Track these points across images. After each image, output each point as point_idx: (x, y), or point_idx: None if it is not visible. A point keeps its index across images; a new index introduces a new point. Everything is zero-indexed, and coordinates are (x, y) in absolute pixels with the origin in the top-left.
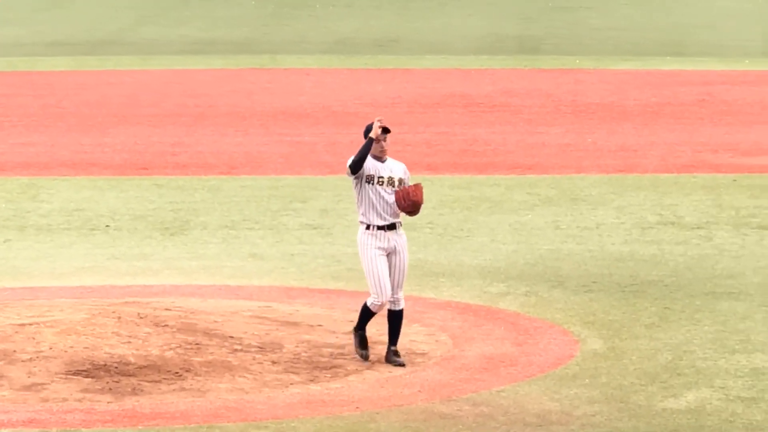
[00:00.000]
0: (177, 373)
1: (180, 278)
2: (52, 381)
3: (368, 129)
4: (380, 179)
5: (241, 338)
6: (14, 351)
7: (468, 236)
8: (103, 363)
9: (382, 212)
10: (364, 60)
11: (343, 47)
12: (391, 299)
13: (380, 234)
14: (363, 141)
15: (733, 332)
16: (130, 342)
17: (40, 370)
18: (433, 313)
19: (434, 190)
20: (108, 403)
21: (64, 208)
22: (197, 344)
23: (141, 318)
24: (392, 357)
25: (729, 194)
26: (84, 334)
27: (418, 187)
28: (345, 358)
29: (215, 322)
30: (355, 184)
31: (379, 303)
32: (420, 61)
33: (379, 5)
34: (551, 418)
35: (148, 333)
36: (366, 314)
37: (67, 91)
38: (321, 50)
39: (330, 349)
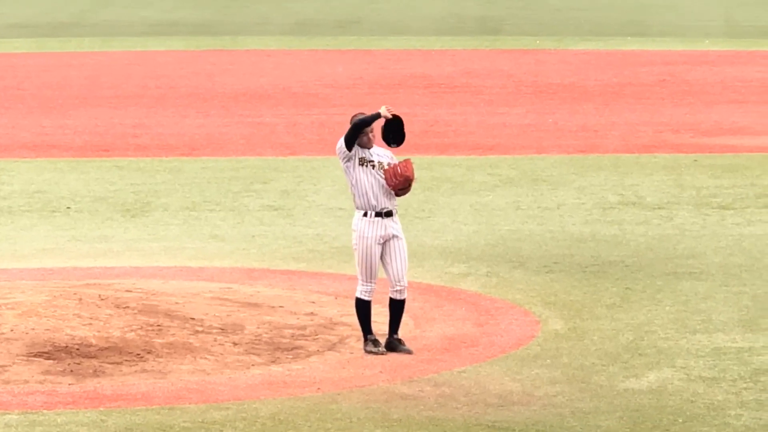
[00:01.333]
0: (138, 354)
1: (141, 260)
2: (13, 363)
3: (355, 118)
4: (371, 163)
5: (202, 320)
6: None
7: (429, 217)
8: (64, 345)
9: (378, 195)
10: (326, 41)
11: (305, 28)
12: (397, 287)
13: (378, 221)
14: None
15: (695, 312)
16: (91, 324)
17: (1, 352)
18: None
19: None
20: (69, 384)
21: (25, 189)
22: (158, 326)
23: (102, 300)
24: (399, 346)
25: (690, 174)
26: (45, 316)
27: (407, 162)
28: (306, 340)
29: (176, 303)
30: (346, 169)
31: (369, 289)
32: (381, 42)
33: None
34: (513, 399)
35: (110, 315)
36: (363, 311)
37: (28, 73)
38: (282, 31)
39: (291, 331)
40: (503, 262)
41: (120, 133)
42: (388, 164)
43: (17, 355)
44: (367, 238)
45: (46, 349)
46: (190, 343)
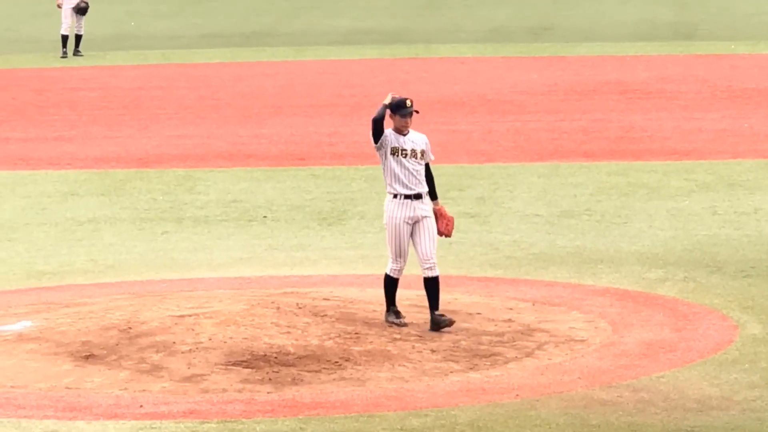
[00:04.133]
0: (336, 362)
1: (338, 268)
2: (212, 372)
3: (388, 106)
4: (404, 151)
5: (400, 327)
6: (174, 342)
7: (626, 223)
8: (262, 353)
9: (407, 182)
10: (519, 48)
11: (498, 35)
12: (427, 265)
13: (407, 203)
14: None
15: None
16: (289, 332)
17: (199, 362)
18: (592, 299)
19: (591, 177)
20: (268, 393)
21: (221, 199)
22: (356, 333)
23: (300, 308)
24: (441, 320)
25: None
26: (243, 325)
27: (450, 222)
28: (504, 346)
29: (374, 311)
30: (380, 157)
31: (398, 267)
32: (575, 49)
33: None
34: (711, 404)
35: (307, 323)
36: (390, 286)
37: (223, 83)
38: (475, 39)
39: (489, 337)
40: (700, 267)
41: (315, 142)
42: (422, 152)
43: (216, 364)
44: (396, 218)
45: (244, 358)
46: (388, 351)
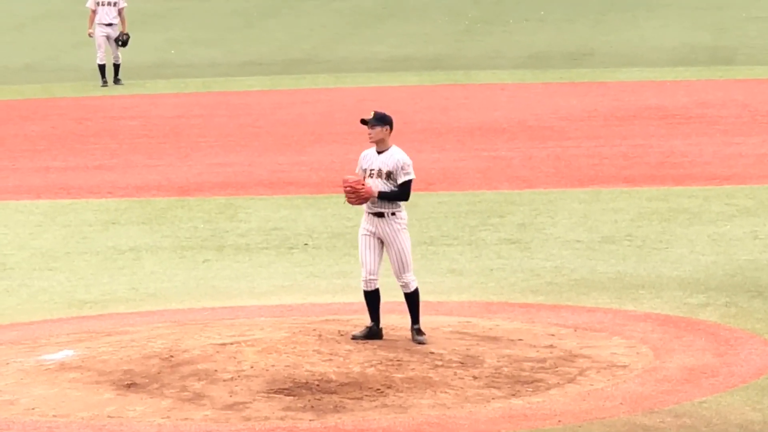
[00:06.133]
0: (378, 389)
1: None
2: (254, 400)
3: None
4: (371, 171)
5: (441, 354)
6: (216, 371)
7: (667, 248)
8: (304, 381)
9: (370, 201)
10: (559, 74)
11: (537, 61)
12: (400, 283)
13: (370, 218)
14: None
15: None
16: (331, 359)
17: (241, 389)
18: (634, 325)
19: (632, 202)
20: (310, 420)
21: (262, 227)
22: (398, 360)
23: (341, 335)
24: (414, 336)
25: None
26: (285, 353)
27: (349, 184)
28: (546, 372)
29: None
30: None
31: (363, 278)
32: (614, 74)
33: (573, 19)
34: (754, 429)
35: (349, 350)
36: (366, 299)
37: (263, 111)
38: (515, 65)
39: (531, 363)
40: (742, 292)
41: (355, 169)
42: (388, 173)
43: (257, 392)
44: (360, 230)
45: (286, 386)
46: (430, 378)
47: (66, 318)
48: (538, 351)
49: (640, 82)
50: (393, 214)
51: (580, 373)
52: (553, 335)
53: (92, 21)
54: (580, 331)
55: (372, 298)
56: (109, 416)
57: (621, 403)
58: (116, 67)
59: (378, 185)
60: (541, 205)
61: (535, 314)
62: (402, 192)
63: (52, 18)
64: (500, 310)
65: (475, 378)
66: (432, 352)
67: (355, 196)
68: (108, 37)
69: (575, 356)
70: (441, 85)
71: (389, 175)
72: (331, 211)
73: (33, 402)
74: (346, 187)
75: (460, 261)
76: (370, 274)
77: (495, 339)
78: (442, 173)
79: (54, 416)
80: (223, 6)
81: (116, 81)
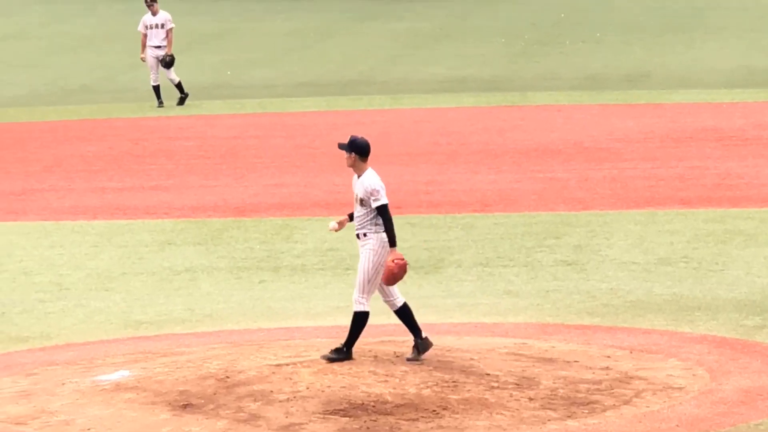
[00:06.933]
0: (434, 411)
1: (435, 316)
2: (310, 421)
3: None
4: (355, 195)
5: (497, 375)
6: (271, 391)
7: (723, 270)
8: (360, 402)
9: (356, 223)
10: (615, 95)
11: (594, 83)
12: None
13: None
14: None
15: None
16: (386, 381)
17: (297, 410)
18: (690, 347)
19: (688, 224)
20: None
21: (318, 248)
22: (454, 382)
23: (397, 356)
24: (330, 355)
25: None
26: (341, 374)
27: (390, 269)
28: (602, 394)
29: (471, 359)
30: None
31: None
32: (671, 96)
33: (629, 41)
34: None
35: (405, 371)
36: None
37: (319, 132)
38: (571, 86)
39: (586, 385)
40: None
41: (412, 190)
42: (361, 200)
43: (313, 413)
44: None
45: (342, 407)
46: (486, 399)
47: (122, 338)
48: (593, 373)
49: (697, 103)
50: (365, 235)
51: (636, 395)
52: (608, 357)
53: (144, 44)
54: (635, 352)
55: (401, 316)
56: None
57: (677, 425)
58: (177, 86)
59: (358, 210)
60: (597, 226)
61: (591, 336)
62: (384, 221)
63: (108, 39)
64: (556, 332)
65: (530, 399)
66: (488, 374)
67: (404, 271)
68: (158, 59)
69: (631, 378)
70: (497, 106)
71: (362, 202)
72: None
73: (89, 423)
74: (404, 266)
75: (516, 282)
76: (385, 297)
77: (551, 360)
78: (498, 195)
79: None
80: (280, 27)
81: (182, 100)
